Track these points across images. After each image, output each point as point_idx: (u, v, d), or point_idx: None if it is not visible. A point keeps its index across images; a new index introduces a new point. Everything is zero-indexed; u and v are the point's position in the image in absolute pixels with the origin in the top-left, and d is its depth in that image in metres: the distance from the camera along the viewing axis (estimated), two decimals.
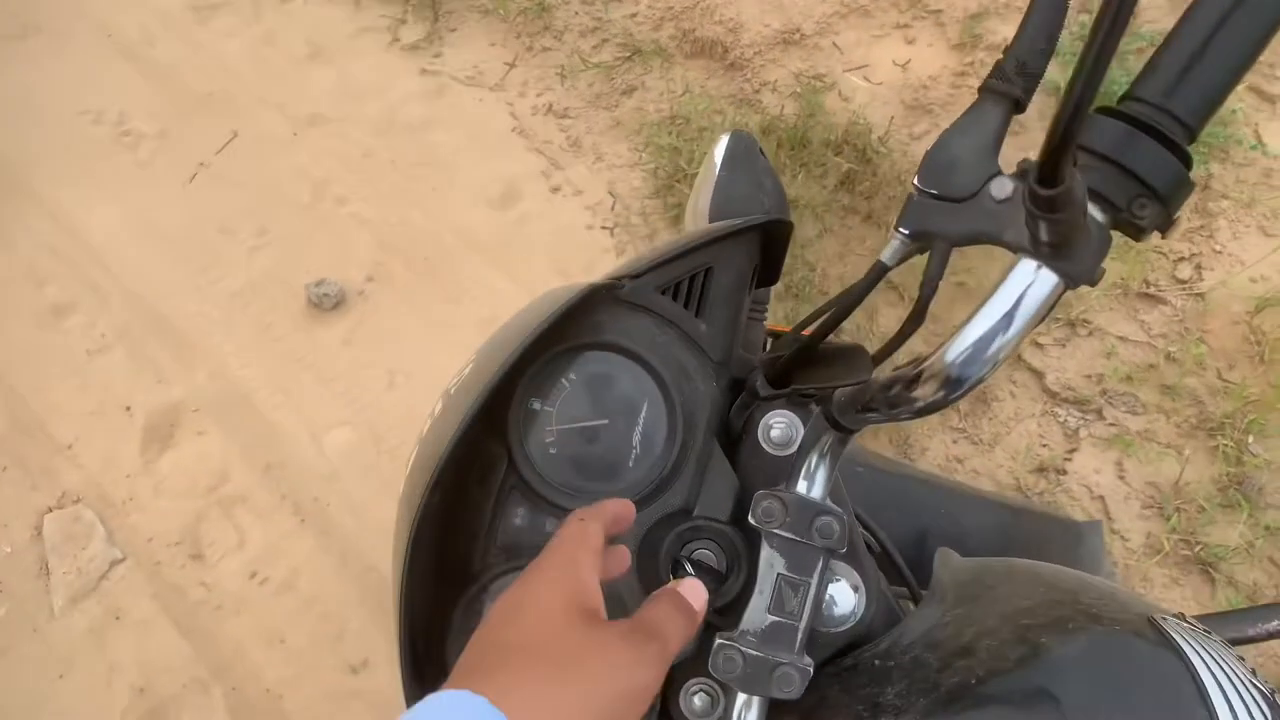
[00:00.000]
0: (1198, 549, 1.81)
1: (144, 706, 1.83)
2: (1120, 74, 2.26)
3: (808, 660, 0.61)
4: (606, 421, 0.67)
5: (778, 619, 0.61)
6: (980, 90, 0.51)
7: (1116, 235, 0.48)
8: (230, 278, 2.38)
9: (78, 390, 2.22)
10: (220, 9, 2.97)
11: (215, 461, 2.10)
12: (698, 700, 0.65)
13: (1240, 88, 2.29)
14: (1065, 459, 1.96)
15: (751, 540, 0.64)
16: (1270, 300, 2.03)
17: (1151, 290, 2.11)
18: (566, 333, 0.66)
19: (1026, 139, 2.19)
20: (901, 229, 0.52)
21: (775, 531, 0.61)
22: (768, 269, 0.77)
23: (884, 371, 0.56)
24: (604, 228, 2.40)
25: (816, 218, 2.29)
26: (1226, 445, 1.89)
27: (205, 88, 2.77)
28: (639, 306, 0.67)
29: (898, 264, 0.54)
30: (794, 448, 0.67)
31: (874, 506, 0.90)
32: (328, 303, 2.28)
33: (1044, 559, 1.20)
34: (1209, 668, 0.53)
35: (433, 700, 0.43)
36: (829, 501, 0.62)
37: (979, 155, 0.50)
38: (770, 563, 0.62)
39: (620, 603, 0.64)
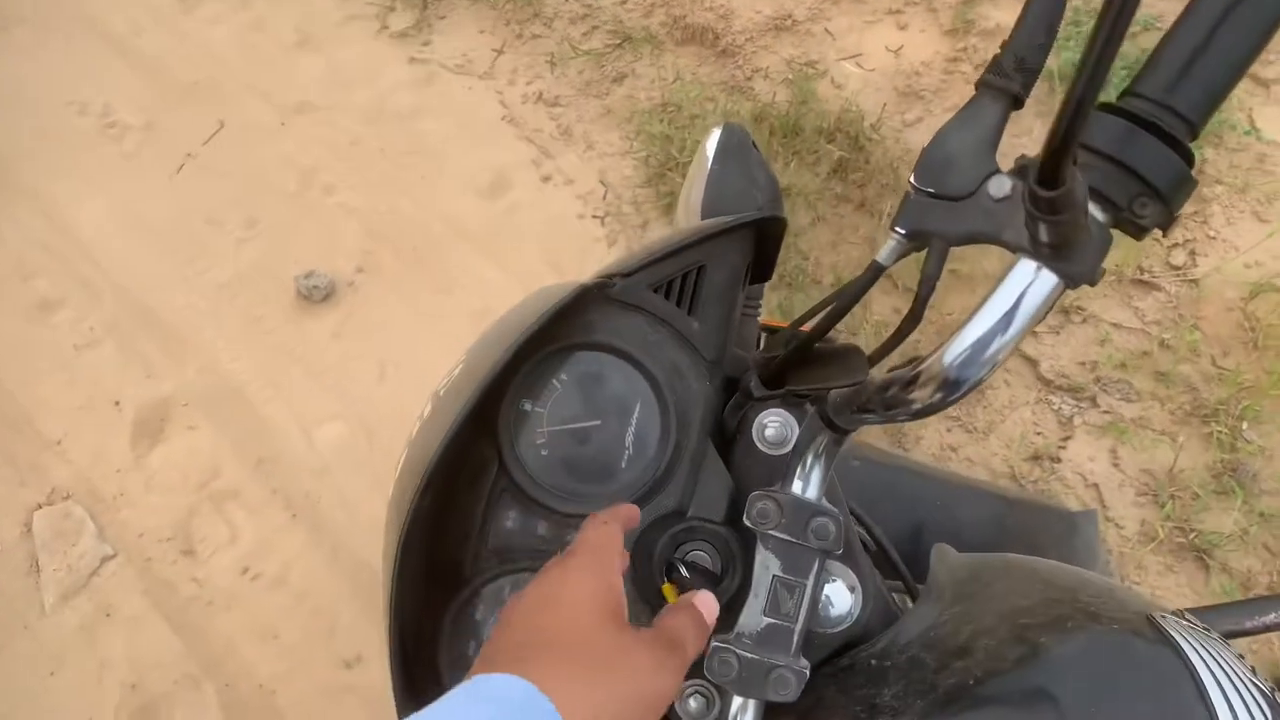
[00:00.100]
0: (1192, 536, 1.81)
1: (136, 703, 1.82)
2: (1117, 62, 2.25)
3: (804, 662, 0.60)
4: (599, 422, 0.66)
5: (773, 621, 0.60)
6: (977, 86, 0.50)
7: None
8: (218, 270, 2.36)
9: (66, 385, 2.20)
10: None
11: (206, 456, 2.09)
12: (693, 703, 0.65)
13: None
14: (1059, 447, 1.96)
15: (747, 541, 0.64)
16: (1264, 286, 2.03)
17: (1146, 277, 2.10)
18: (557, 333, 0.65)
19: (1017, 126, 2.18)
20: (898, 228, 0.51)
21: (770, 533, 0.61)
22: (761, 265, 0.76)
23: (881, 371, 0.55)
24: (595, 217, 2.39)
25: (809, 206, 2.27)
26: (1221, 432, 1.89)
27: (192, 77, 2.75)
28: (631, 305, 0.66)
29: (894, 263, 0.53)
30: (789, 447, 0.66)
31: (869, 500, 0.90)
32: (317, 295, 2.26)
33: (1039, 549, 1.21)
34: (1208, 666, 0.52)
35: (482, 681, 0.44)
36: (824, 502, 0.62)
37: (976, 153, 0.48)
38: (765, 564, 0.61)
39: None
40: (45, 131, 2.64)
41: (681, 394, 0.67)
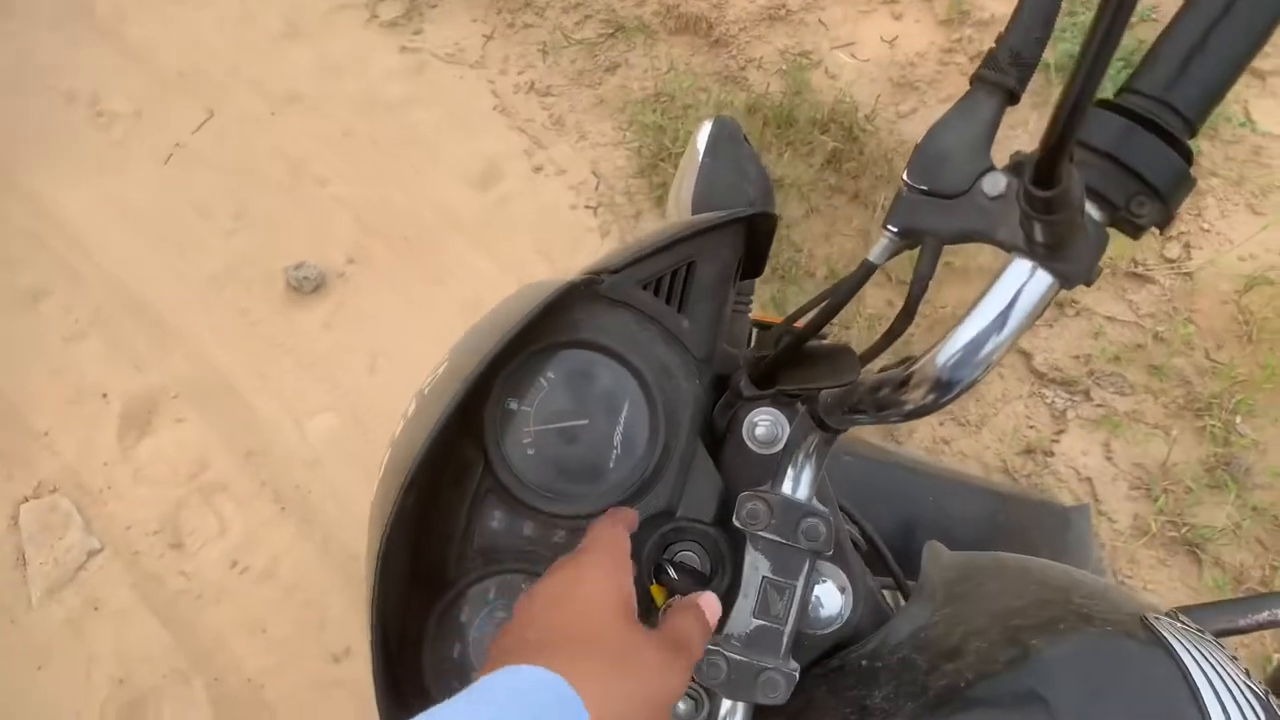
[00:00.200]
0: (1185, 530, 1.81)
1: (124, 698, 1.81)
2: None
3: (794, 665, 0.60)
4: (586, 421, 0.65)
5: (763, 623, 0.60)
6: (972, 80, 0.49)
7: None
8: (208, 260, 2.35)
9: (53, 377, 2.19)
10: None
11: (195, 449, 2.08)
12: (681, 705, 0.65)
13: None
14: (1053, 440, 1.96)
15: (736, 542, 0.63)
16: (1259, 279, 2.02)
17: (1140, 270, 2.09)
18: (544, 330, 0.64)
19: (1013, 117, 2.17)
20: (890, 226, 0.50)
21: (760, 534, 0.60)
22: (752, 260, 0.75)
23: (873, 371, 0.54)
24: (588, 207, 2.37)
25: (803, 197, 2.26)
26: (1214, 426, 1.89)
27: (180, 66, 2.72)
28: (619, 302, 0.65)
29: (886, 262, 0.52)
30: (779, 446, 0.65)
31: (860, 496, 0.89)
32: (307, 286, 2.25)
33: (1032, 545, 1.21)
34: (1202, 669, 0.52)
35: (510, 672, 0.45)
36: (815, 502, 0.61)
37: (971, 149, 0.47)
38: (755, 565, 0.61)
39: None
40: (32, 119, 2.62)
41: (670, 392, 0.66)
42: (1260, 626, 0.78)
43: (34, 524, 1.99)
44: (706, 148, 0.85)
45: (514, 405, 0.65)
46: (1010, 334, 0.46)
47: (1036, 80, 2.23)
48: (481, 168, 2.46)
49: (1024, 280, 0.45)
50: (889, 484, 1.16)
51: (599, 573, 0.54)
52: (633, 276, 0.65)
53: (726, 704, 0.61)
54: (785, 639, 0.60)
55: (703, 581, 0.64)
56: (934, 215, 0.48)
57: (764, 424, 0.65)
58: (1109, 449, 1.93)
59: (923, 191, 0.49)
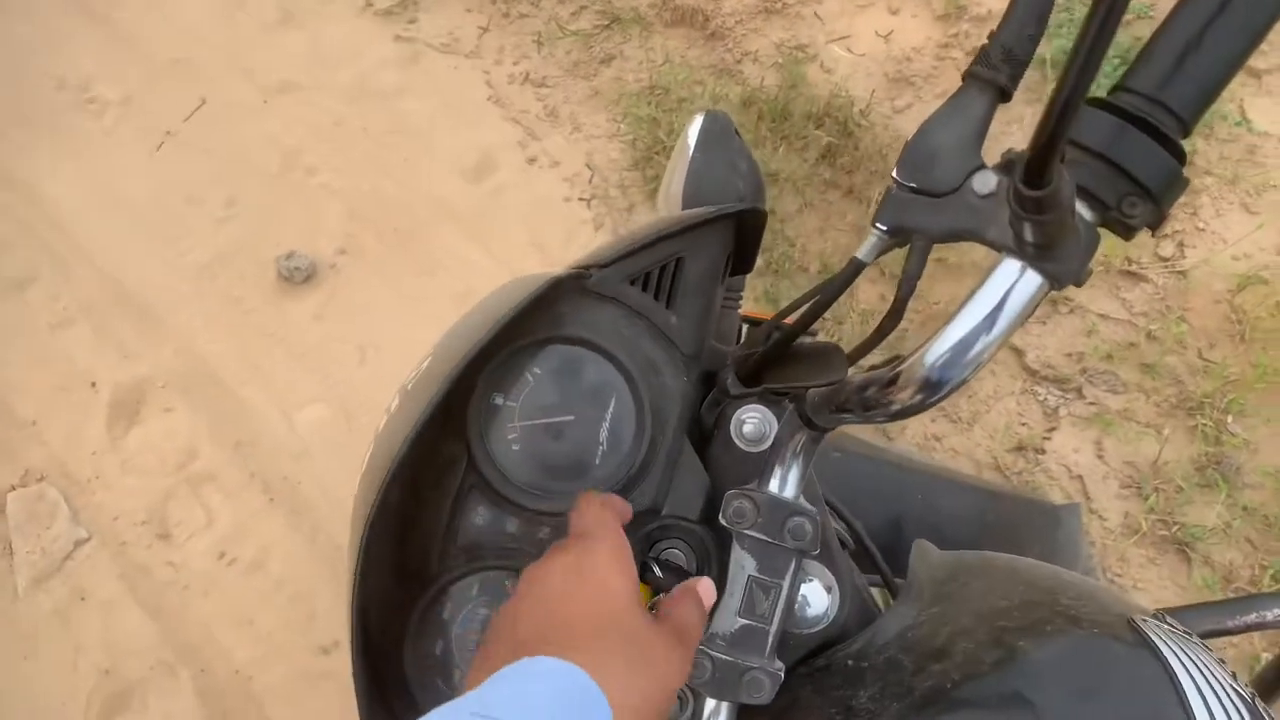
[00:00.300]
0: (1175, 529, 1.82)
1: (110, 688, 1.81)
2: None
3: (778, 664, 0.59)
4: (572, 417, 0.65)
5: (748, 622, 0.60)
6: (964, 77, 0.48)
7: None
8: (198, 250, 2.33)
9: (40, 365, 2.17)
10: None
11: (183, 439, 2.07)
12: None
13: None
14: (1044, 438, 1.96)
15: (722, 540, 0.63)
16: (1252, 278, 2.02)
17: (1133, 268, 2.09)
18: (531, 325, 0.63)
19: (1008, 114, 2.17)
20: (879, 225, 0.50)
21: (746, 532, 0.60)
22: (741, 257, 0.74)
23: (861, 369, 0.53)
24: (581, 199, 2.37)
25: (797, 192, 2.26)
26: (1206, 425, 1.89)
27: (172, 54, 2.70)
28: (606, 297, 0.64)
29: (875, 260, 0.51)
30: (767, 444, 0.65)
31: (849, 493, 0.89)
32: (298, 276, 2.24)
33: (1022, 543, 1.21)
34: (1188, 671, 0.52)
35: (529, 664, 0.45)
36: (802, 501, 0.60)
37: (961, 147, 0.47)
38: (741, 564, 0.60)
39: None
40: (23, 105, 2.60)
41: (657, 389, 0.65)
42: (1248, 628, 0.77)
43: (21, 513, 1.98)
44: (697, 142, 0.84)
45: (499, 400, 0.64)
46: (999, 334, 0.45)
47: (1032, 77, 2.22)
48: (475, 159, 2.45)
49: (1013, 280, 0.44)
50: (878, 481, 1.16)
51: (603, 558, 0.53)
52: (621, 272, 0.65)
53: (711, 703, 0.60)
54: (770, 638, 0.59)
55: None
56: (923, 213, 0.48)
57: (752, 422, 0.65)
58: (1100, 447, 1.93)
59: (912, 189, 0.48)
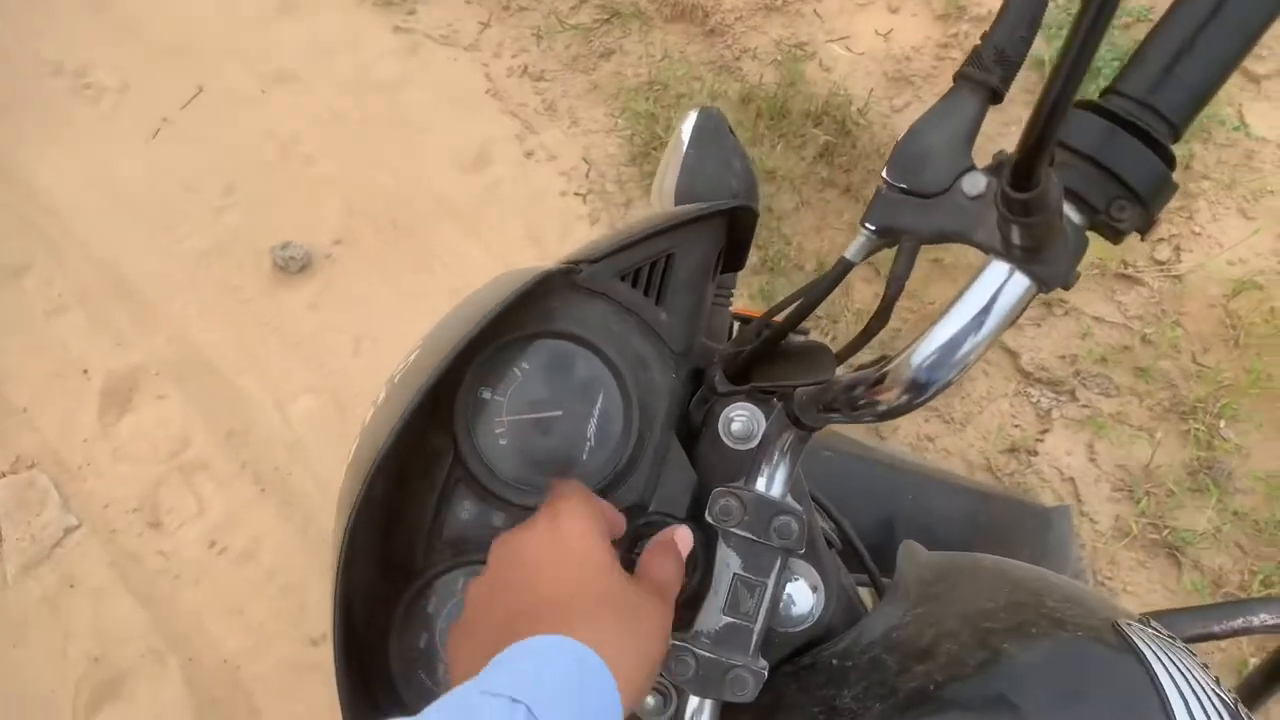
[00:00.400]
0: (1165, 533, 1.82)
1: (99, 676, 1.80)
2: (1106, 49, 2.23)
3: (762, 663, 0.59)
4: (560, 413, 0.64)
5: (733, 620, 0.59)
6: (955, 78, 0.48)
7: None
8: (194, 238, 2.33)
9: (34, 352, 2.17)
10: None
11: (175, 427, 2.06)
12: (650, 700, 0.64)
13: None
14: (1037, 440, 1.96)
15: (709, 537, 0.62)
16: (1247, 284, 2.02)
17: (1129, 271, 2.09)
18: (520, 319, 0.63)
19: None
20: (868, 225, 0.49)
21: (732, 530, 0.59)
22: (733, 254, 0.74)
23: (850, 369, 0.53)
24: (578, 194, 2.36)
25: (794, 190, 2.26)
26: (1198, 429, 1.89)
27: (170, 40, 2.69)
28: (597, 293, 0.64)
29: (863, 260, 0.51)
30: (754, 442, 0.64)
31: (840, 493, 0.89)
32: (294, 265, 2.23)
33: (1012, 544, 1.21)
34: (1171, 675, 0.52)
35: (530, 644, 0.45)
36: (789, 499, 0.60)
37: (952, 148, 0.47)
38: (726, 562, 0.60)
39: None
40: (18, 90, 2.59)
41: (646, 385, 0.65)
42: (1235, 633, 0.78)
43: (11, 500, 1.98)
44: (691, 139, 0.84)
45: (487, 395, 0.64)
46: (986, 336, 0.45)
47: (1031, 79, 2.22)
48: (472, 151, 2.45)
49: (1001, 282, 0.44)
50: (870, 481, 1.16)
51: (576, 525, 0.54)
52: (611, 267, 0.64)
53: (694, 701, 0.60)
54: (755, 637, 0.59)
55: None
56: (912, 214, 0.48)
57: (740, 420, 0.65)
58: (1093, 450, 1.94)
59: (902, 190, 0.48)
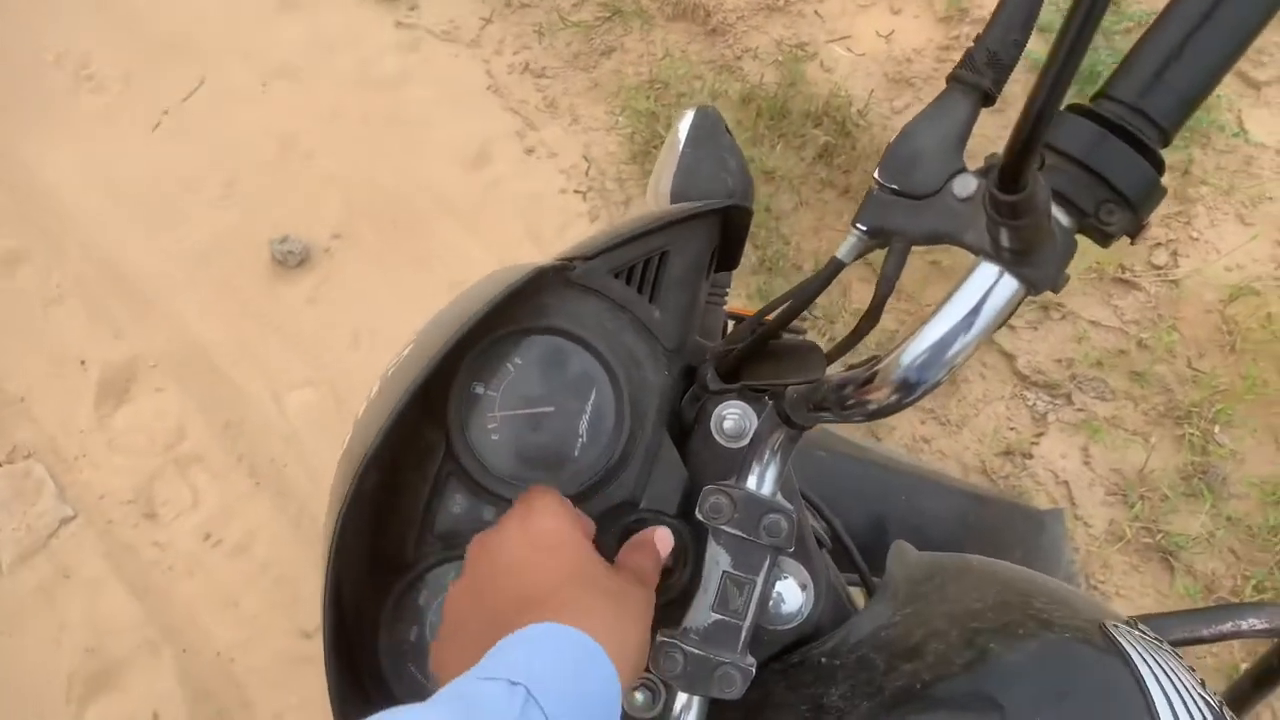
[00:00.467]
0: (1159, 537, 1.82)
1: (92, 667, 1.81)
2: (1107, 54, 2.24)
3: (750, 660, 0.59)
4: (553, 408, 0.65)
5: (721, 617, 0.59)
6: (948, 80, 0.48)
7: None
8: (192, 230, 2.33)
9: (31, 343, 2.17)
10: None
11: (172, 419, 2.07)
12: (639, 696, 0.64)
13: None
14: (1032, 443, 1.96)
15: (699, 535, 0.63)
16: (1244, 289, 2.03)
17: (1126, 275, 2.10)
18: (513, 315, 0.64)
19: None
20: (859, 225, 0.50)
21: (722, 528, 0.60)
22: (727, 253, 0.74)
23: (840, 369, 0.54)
24: (577, 192, 2.36)
25: (793, 190, 2.26)
26: (1193, 434, 1.89)
27: (172, 33, 2.69)
28: (590, 290, 0.65)
29: (854, 260, 0.51)
30: (746, 440, 0.65)
31: (833, 492, 0.89)
32: (292, 260, 2.23)
33: (1005, 547, 1.21)
34: (1156, 677, 0.52)
35: (526, 633, 0.46)
36: (779, 498, 0.60)
37: (943, 150, 0.47)
38: (716, 559, 0.60)
39: None
40: (19, 80, 2.59)
41: (638, 382, 0.65)
42: (1223, 637, 0.78)
43: (7, 490, 1.98)
44: (687, 138, 0.84)
45: (480, 389, 0.64)
46: (975, 337, 0.45)
47: (1030, 81, 2.22)
48: (473, 148, 2.45)
49: (990, 284, 0.44)
50: (863, 481, 1.16)
51: (550, 519, 0.55)
52: (605, 264, 0.65)
53: (683, 697, 0.60)
54: (743, 634, 0.59)
55: (664, 574, 0.63)
56: (903, 215, 0.48)
57: (732, 418, 0.65)
58: (1088, 453, 1.94)
59: (893, 191, 0.48)
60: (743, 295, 2.13)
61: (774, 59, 2.49)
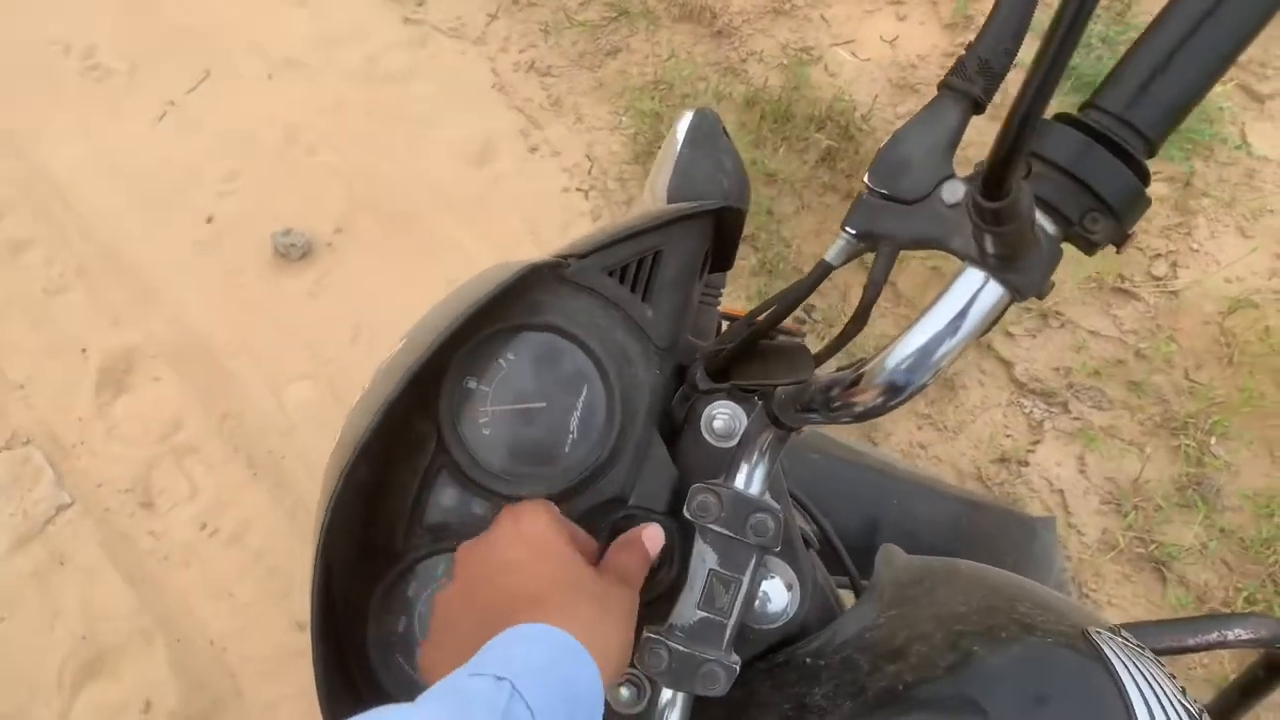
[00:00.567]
0: (1152, 548, 1.82)
1: (85, 654, 1.81)
2: (1113, 62, 2.23)
3: (735, 658, 0.60)
4: (544, 404, 0.65)
5: (707, 615, 0.60)
6: (940, 87, 0.49)
7: None
8: (195, 221, 2.33)
9: (32, 329, 2.17)
10: None
11: (170, 409, 2.07)
12: (624, 691, 0.65)
13: (1228, 86, 2.27)
14: (1028, 450, 1.96)
15: (687, 533, 0.63)
16: (1243, 302, 2.03)
17: (1126, 285, 2.10)
18: (507, 311, 0.64)
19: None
20: (848, 228, 0.50)
21: (709, 526, 0.60)
22: (721, 254, 0.75)
23: (829, 370, 0.54)
24: (580, 190, 2.37)
25: (795, 193, 2.26)
26: (1188, 445, 1.90)
27: (179, 23, 2.70)
28: (584, 287, 0.65)
29: (843, 264, 0.52)
30: (736, 440, 0.65)
31: (827, 495, 0.89)
32: (294, 253, 2.24)
33: (997, 553, 1.21)
34: (1137, 684, 0.52)
35: (514, 632, 0.48)
36: (767, 498, 0.61)
37: (933, 156, 0.48)
38: (703, 557, 0.60)
39: None
40: (26, 70, 2.59)
41: (629, 380, 0.65)
42: (1209, 646, 0.78)
43: (5, 475, 1.99)
44: (685, 139, 0.84)
45: (472, 384, 0.65)
46: (960, 341, 0.46)
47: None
48: (477, 145, 2.45)
49: (976, 290, 0.45)
50: (857, 484, 1.16)
51: (536, 524, 0.57)
52: (599, 262, 0.65)
53: (667, 693, 0.61)
54: (729, 632, 0.60)
55: (651, 571, 0.64)
56: (892, 220, 0.49)
57: (722, 417, 0.65)
58: (1083, 462, 1.94)
59: (882, 195, 0.49)
60: (743, 297, 2.13)
61: (779, 62, 2.50)
